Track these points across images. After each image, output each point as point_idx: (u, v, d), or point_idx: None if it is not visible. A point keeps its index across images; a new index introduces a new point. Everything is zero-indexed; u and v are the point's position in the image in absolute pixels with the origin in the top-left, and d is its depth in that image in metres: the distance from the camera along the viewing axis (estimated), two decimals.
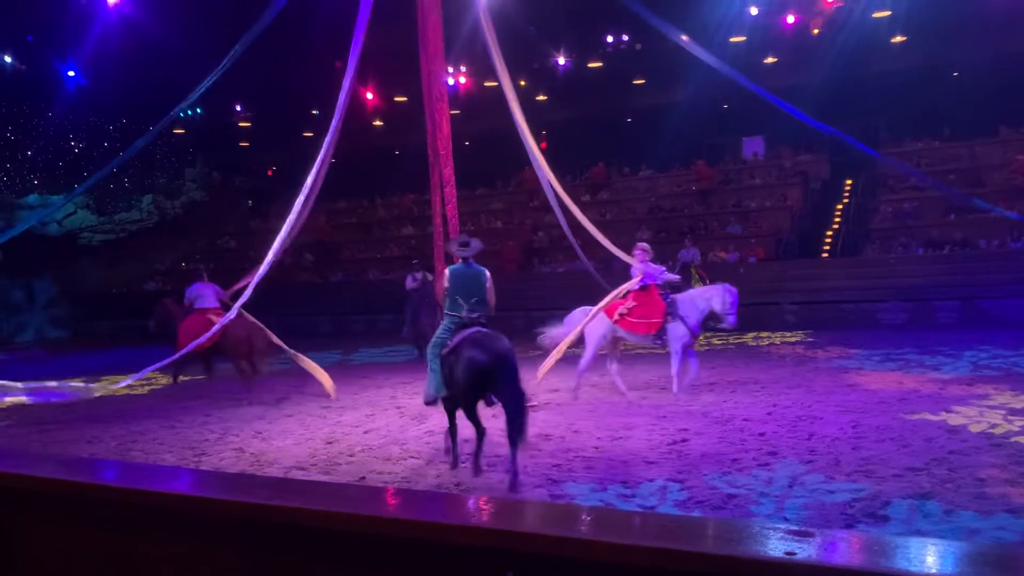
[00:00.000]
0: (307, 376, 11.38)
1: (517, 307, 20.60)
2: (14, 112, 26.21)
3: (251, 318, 11.21)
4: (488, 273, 7.22)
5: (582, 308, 10.32)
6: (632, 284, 10.08)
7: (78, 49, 24.07)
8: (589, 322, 9.99)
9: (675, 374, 9.80)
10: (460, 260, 7.21)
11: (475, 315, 6.98)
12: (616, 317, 9.97)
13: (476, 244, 7.34)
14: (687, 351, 9.84)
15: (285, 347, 11.06)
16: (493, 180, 27.61)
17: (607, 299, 10.11)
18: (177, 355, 10.45)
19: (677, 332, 9.77)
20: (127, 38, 22.03)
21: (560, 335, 10.24)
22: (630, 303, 10.02)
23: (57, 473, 2.17)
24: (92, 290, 27.32)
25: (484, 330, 6.82)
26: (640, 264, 10.09)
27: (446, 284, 7.25)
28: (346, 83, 10.01)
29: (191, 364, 12.03)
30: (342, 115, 10.12)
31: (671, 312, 9.82)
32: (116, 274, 28.28)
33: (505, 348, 6.56)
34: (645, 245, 10.53)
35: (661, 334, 9.85)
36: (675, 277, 10.45)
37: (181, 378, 12.52)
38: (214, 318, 11.25)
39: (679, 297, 10.06)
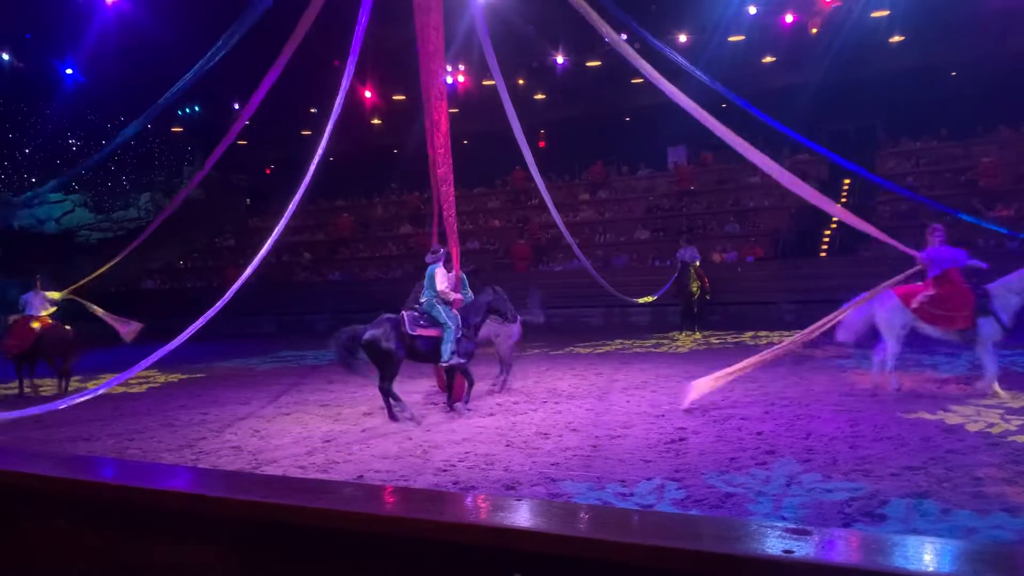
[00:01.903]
0: (304, 374, 11.40)
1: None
2: (12, 110, 26.21)
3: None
4: (437, 268, 9.34)
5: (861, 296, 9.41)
6: (917, 269, 9.11)
7: (76, 47, 24.05)
8: (881, 311, 9.08)
9: (992, 373, 8.74)
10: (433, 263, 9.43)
11: (422, 301, 9.35)
12: (915, 306, 8.96)
13: (443, 251, 9.61)
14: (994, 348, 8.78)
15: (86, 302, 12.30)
16: (492, 179, 27.62)
17: (883, 285, 9.06)
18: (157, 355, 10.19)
19: (988, 329, 8.66)
20: (125, 36, 22.02)
21: (851, 321, 9.33)
22: (929, 291, 8.94)
23: (54, 471, 2.17)
24: (89, 288, 27.27)
25: (406, 314, 9.21)
26: (933, 249, 9.06)
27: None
28: (345, 81, 9.99)
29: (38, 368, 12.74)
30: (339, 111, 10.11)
31: (983, 306, 8.68)
32: (113, 272, 28.22)
33: (372, 329, 9.04)
34: (941, 226, 9.39)
35: (972, 331, 8.73)
36: (982, 264, 9.04)
37: (32, 384, 12.69)
38: (33, 324, 12.28)
39: (992, 288, 8.79)
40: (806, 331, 8.96)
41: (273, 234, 10.15)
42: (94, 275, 12.19)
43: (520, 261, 22.60)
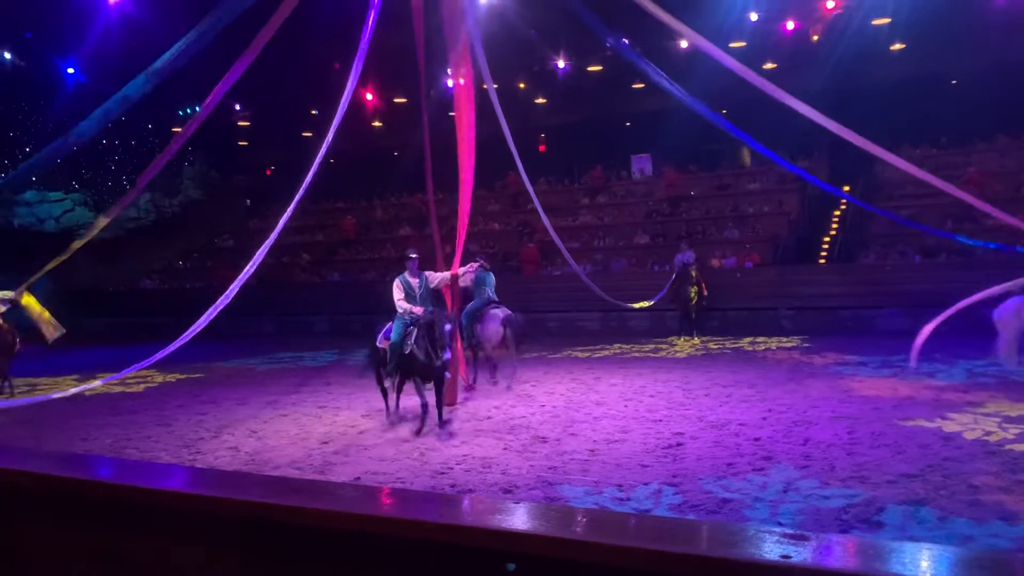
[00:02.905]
0: (302, 375, 11.41)
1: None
2: (12, 109, 26.21)
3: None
4: (399, 277, 9.16)
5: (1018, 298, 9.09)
6: None
7: (78, 46, 24.05)
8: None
9: None
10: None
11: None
12: None
13: (412, 259, 9.32)
14: None
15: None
16: (491, 182, 27.62)
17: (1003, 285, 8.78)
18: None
19: None
20: (127, 35, 22.02)
21: (1009, 336, 9.17)
22: None
23: (52, 469, 2.17)
24: (88, 287, 27.30)
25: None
26: None
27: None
28: (351, 82, 9.98)
29: None
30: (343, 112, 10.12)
31: None
32: (113, 272, 28.27)
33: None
34: None
35: None
36: None
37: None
38: None
39: None
40: (979, 295, 9.03)
41: (270, 237, 10.15)
42: (40, 273, 12.19)
43: (529, 265, 22.52)
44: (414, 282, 9.07)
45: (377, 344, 9.13)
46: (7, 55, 25.22)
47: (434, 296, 9.46)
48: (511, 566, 1.46)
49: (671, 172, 24.30)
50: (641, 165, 26.45)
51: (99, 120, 9.75)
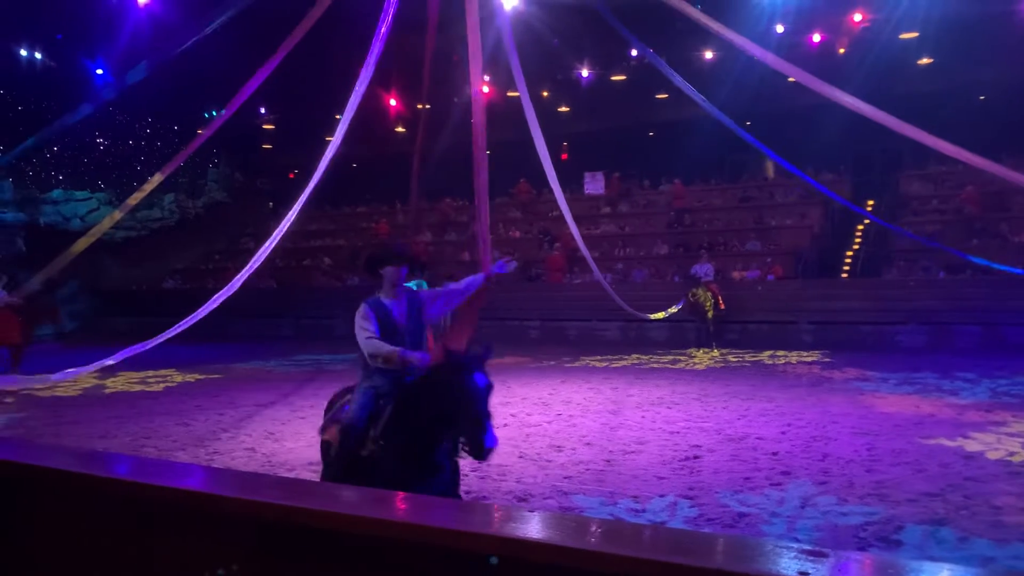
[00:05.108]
0: (320, 378, 11.44)
1: (533, 317, 20.65)
2: (42, 108, 26.54)
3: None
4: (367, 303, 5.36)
5: None
6: None
7: (108, 48, 24.35)
8: None
9: None
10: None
11: None
12: None
13: (392, 267, 5.11)
14: None
15: None
16: (510, 189, 27.66)
17: None
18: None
19: None
20: (157, 38, 22.26)
21: None
22: None
23: (70, 465, 2.18)
24: (112, 286, 27.59)
25: None
26: None
27: None
28: (360, 87, 10.03)
29: None
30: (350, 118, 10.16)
31: None
32: (136, 271, 28.56)
33: None
34: None
35: None
36: None
37: None
38: None
39: None
40: None
41: (268, 241, 10.20)
42: (43, 273, 12.56)
43: (555, 272, 22.50)
44: (396, 308, 4.86)
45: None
46: (38, 56, 25.57)
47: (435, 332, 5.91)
48: (493, 559, 1.45)
49: (678, 186, 24.28)
50: (593, 183, 26.58)
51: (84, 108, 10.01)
